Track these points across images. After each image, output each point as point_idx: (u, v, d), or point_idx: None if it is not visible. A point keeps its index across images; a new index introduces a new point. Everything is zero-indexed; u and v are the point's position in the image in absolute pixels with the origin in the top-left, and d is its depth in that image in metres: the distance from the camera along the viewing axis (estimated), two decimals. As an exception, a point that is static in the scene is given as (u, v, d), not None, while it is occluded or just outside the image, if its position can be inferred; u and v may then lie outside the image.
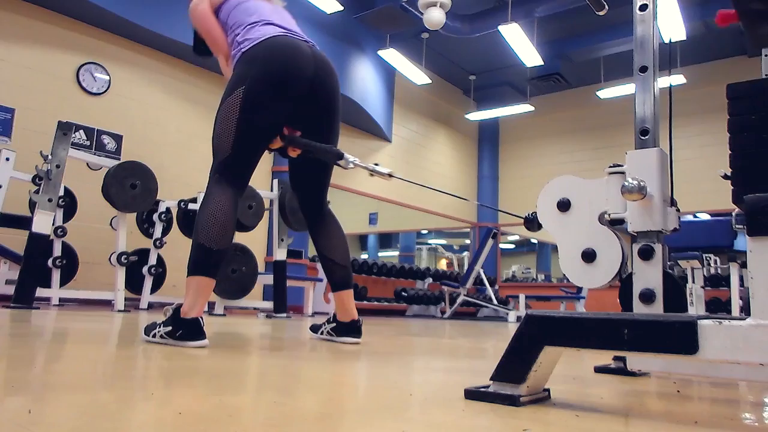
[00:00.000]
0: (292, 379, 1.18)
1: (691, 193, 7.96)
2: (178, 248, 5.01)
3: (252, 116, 1.81)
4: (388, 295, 9.06)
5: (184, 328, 1.71)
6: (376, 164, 1.90)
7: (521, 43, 7.52)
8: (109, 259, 4.87)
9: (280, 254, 5.17)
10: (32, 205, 4.46)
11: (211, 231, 1.76)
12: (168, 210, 5.11)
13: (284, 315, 4.96)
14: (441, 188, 10.88)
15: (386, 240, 15.60)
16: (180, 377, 1.14)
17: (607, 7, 1.62)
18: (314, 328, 2.31)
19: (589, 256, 1.26)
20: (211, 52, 2.14)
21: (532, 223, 1.43)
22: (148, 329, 1.80)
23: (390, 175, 1.90)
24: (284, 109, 1.90)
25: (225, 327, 2.98)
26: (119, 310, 4.26)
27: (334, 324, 2.18)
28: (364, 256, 13.03)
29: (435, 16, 6.63)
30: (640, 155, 1.20)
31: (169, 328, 1.73)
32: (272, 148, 1.99)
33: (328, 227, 2.19)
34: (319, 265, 7.55)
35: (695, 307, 2.76)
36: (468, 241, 12.63)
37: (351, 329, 2.15)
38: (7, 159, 4.44)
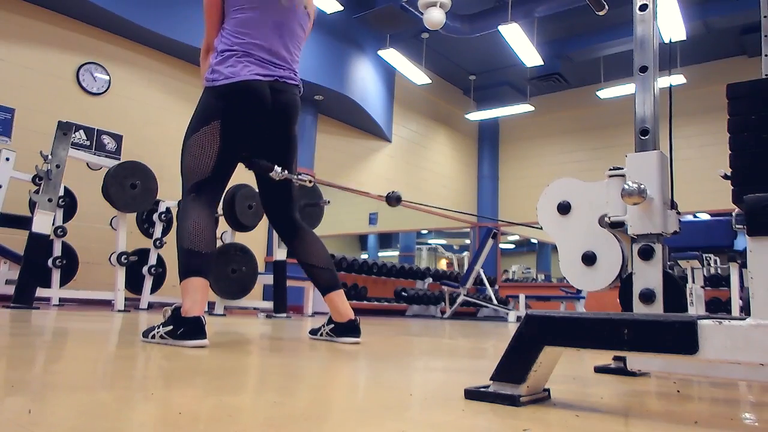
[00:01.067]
0: (292, 379, 1.18)
1: (691, 193, 7.96)
2: (178, 248, 5.01)
3: (230, 144, 1.99)
4: (388, 295, 9.05)
5: (186, 327, 1.72)
6: (299, 174, 2.19)
7: (521, 43, 7.52)
8: (109, 259, 4.87)
9: (280, 254, 5.17)
10: (32, 205, 4.45)
11: (197, 237, 1.85)
12: (168, 210, 5.11)
13: (284, 315, 4.96)
14: (440, 187, 10.88)
15: (386, 240, 15.59)
16: (180, 377, 1.14)
17: (607, 7, 1.62)
18: (313, 332, 2.31)
19: (589, 259, 1.26)
20: None
21: (390, 199, 1.48)
22: (147, 332, 1.81)
23: (310, 182, 2.19)
24: (251, 137, 2.08)
25: (225, 327, 2.98)
26: (119, 310, 4.26)
27: (333, 325, 2.19)
28: (364, 256, 13.02)
29: (435, 16, 6.64)
30: (640, 158, 1.20)
31: (170, 327, 1.74)
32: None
33: (301, 236, 2.26)
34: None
35: (695, 307, 2.76)
36: (468, 241, 12.63)
37: (350, 329, 2.16)
38: (7, 159, 4.44)
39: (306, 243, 2.25)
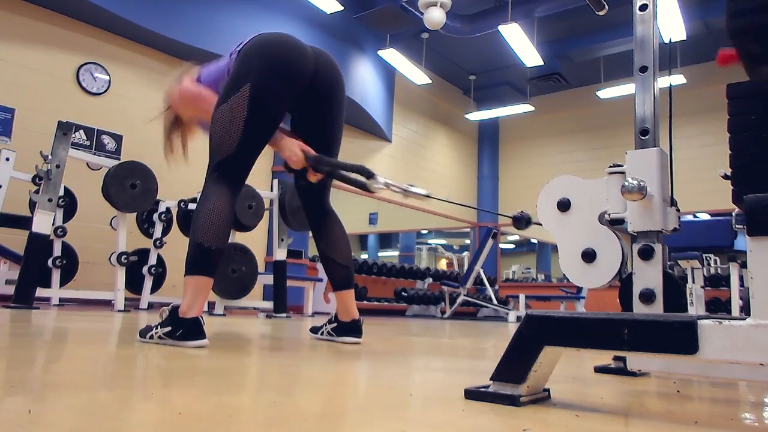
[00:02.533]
0: (292, 379, 1.18)
1: (691, 193, 7.96)
2: (178, 248, 5.00)
3: (261, 112, 1.79)
4: (388, 295, 9.05)
5: (184, 328, 1.70)
6: (411, 185, 1.75)
7: (521, 43, 7.52)
8: (109, 259, 4.86)
9: (280, 254, 5.17)
10: (32, 205, 4.46)
11: (209, 230, 1.74)
12: (168, 210, 5.11)
13: (284, 315, 4.96)
14: (440, 187, 10.88)
15: (386, 240, 15.60)
16: (180, 377, 1.14)
17: (607, 7, 1.62)
18: (314, 330, 2.30)
19: (589, 256, 1.26)
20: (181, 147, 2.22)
21: (520, 221, 1.41)
22: (144, 332, 1.79)
23: (428, 196, 1.77)
24: (288, 102, 1.87)
25: (225, 327, 2.98)
26: (119, 310, 4.26)
27: (335, 324, 2.18)
28: (364, 256, 13.02)
29: (435, 16, 6.63)
30: (640, 155, 1.20)
31: (168, 328, 1.72)
32: (293, 169, 1.96)
33: (330, 227, 2.18)
34: (319, 265, 7.55)
35: (695, 307, 2.76)
36: (468, 241, 12.63)
37: (352, 329, 2.15)
38: (7, 159, 4.44)
39: (332, 236, 2.16)
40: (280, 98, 1.83)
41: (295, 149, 1.92)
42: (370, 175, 1.75)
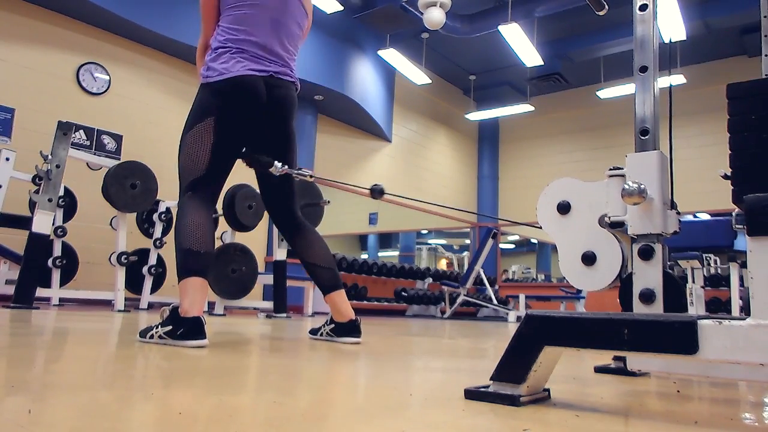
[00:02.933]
0: (292, 379, 1.18)
1: (691, 193, 7.96)
2: (178, 248, 5.01)
3: (225, 141, 1.98)
4: (388, 295, 9.05)
5: (185, 327, 1.71)
6: (300, 168, 2.18)
7: (521, 43, 7.52)
8: (109, 259, 4.86)
9: (280, 254, 5.17)
10: (32, 205, 4.45)
11: (193, 237, 1.85)
12: (168, 210, 5.11)
13: (284, 315, 4.96)
14: (440, 187, 10.87)
15: (386, 240, 15.59)
16: (180, 377, 1.14)
17: (607, 7, 1.62)
18: (313, 332, 2.30)
19: (589, 258, 1.26)
20: None
21: (374, 192, 1.51)
22: (144, 332, 1.80)
23: (311, 177, 2.17)
24: (247, 133, 2.07)
25: (225, 327, 2.98)
26: (119, 310, 4.26)
27: (333, 325, 2.18)
28: (364, 256, 13.01)
29: (435, 16, 6.63)
30: (640, 158, 1.20)
31: (169, 327, 1.73)
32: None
33: (305, 236, 2.24)
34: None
35: (695, 307, 2.76)
36: (468, 241, 12.63)
37: (350, 329, 2.15)
38: (7, 159, 4.43)
39: (308, 241, 2.23)
40: (238, 131, 2.03)
41: None
42: (270, 164, 2.08)
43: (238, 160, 2.13)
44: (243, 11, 2.03)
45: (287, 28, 2.12)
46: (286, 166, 2.12)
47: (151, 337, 1.76)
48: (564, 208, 1.29)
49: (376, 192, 2.25)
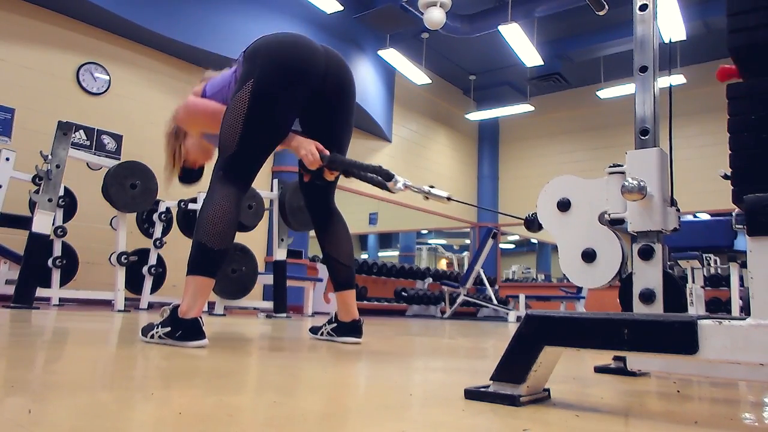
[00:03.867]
0: (292, 379, 1.18)
1: (691, 193, 7.96)
2: (178, 248, 5.01)
3: (261, 109, 1.75)
4: (388, 295, 9.05)
5: (184, 328, 1.70)
6: (432, 186, 1.72)
7: (521, 43, 7.52)
8: (109, 259, 4.86)
9: (280, 254, 5.17)
10: (32, 205, 4.45)
11: (212, 230, 1.73)
12: (168, 210, 5.11)
13: (284, 315, 4.96)
14: (440, 187, 10.87)
15: (386, 240, 15.60)
16: (180, 377, 1.14)
17: (607, 7, 1.62)
18: (314, 330, 2.30)
19: (589, 256, 1.26)
20: (195, 175, 2.22)
21: (532, 223, 1.38)
22: (146, 330, 1.79)
23: (449, 199, 1.77)
24: (296, 101, 1.84)
25: (225, 327, 2.98)
26: (119, 310, 4.26)
27: (335, 324, 2.18)
28: (364, 256, 13.02)
29: (435, 16, 6.63)
30: (640, 155, 1.20)
31: (168, 328, 1.72)
32: (309, 170, 1.93)
33: (334, 227, 2.18)
34: (319, 265, 7.55)
35: (695, 307, 2.76)
36: (468, 241, 12.63)
37: (352, 329, 2.15)
38: (7, 159, 4.43)
39: (336, 236, 2.16)
40: (285, 97, 1.80)
41: (311, 148, 1.89)
42: (389, 177, 1.73)
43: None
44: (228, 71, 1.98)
45: None
46: (408, 182, 1.73)
47: (152, 336, 1.75)
48: (564, 206, 1.29)
49: (534, 225, 1.46)
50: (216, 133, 1.86)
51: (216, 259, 1.74)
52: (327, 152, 1.90)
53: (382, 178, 1.74)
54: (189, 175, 2.22)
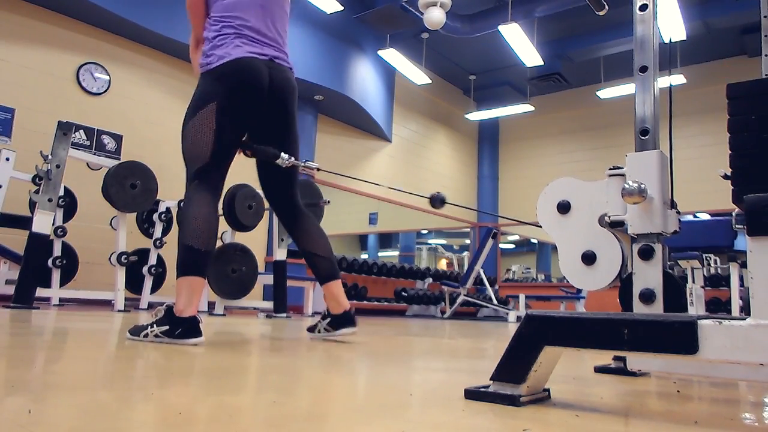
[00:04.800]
0: (292, 379, 1.18)
1: (691, 193, 7.96)
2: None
3: (227, 126, 1.95)
4: (388, 295, 9.05)
5: (183, 326, 1.73)
6: (307, 160, 2.16)
7: (521, 43, 7.52)
8: (109, 259, 4.87)
9: (280, 254, 5.17)
10: (32, 205, 4.45)
11: (197, 233, 1.84)
12: (168, 210, 5.11)
13: (284, 315, 4.96)
14: (440, 187, 10.86)
15: (386, 240, 15.60)
16: (180, 377, 1.14)
17: (607, 7, 1.62)
18: (310, 329, 2.33)
19: (589, 258, 1.26)
20: None
21: (435, 201, 1.47)
22: (137, 331, 1.81)
23: (318, 169, 2.18)
24: (249, 119, 2.05)
25: (225, 327, 2.98)
26: (119, 310, 4.26)
27: (329, 318, 2.22)
28: (364, 256, 13.01)
29: (435, 16, 6.63)
30: (640, 157, 1.20)
31: (166, 327, 1.75)
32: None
33: (304, 224, 2.25)
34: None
35: (695, 307, 2.76)
36: (468, 241, 12.63)
37: (346, 320, 2.20)
38: (7, 159, 4.44)
39: (307, 230, 2.24)
40: (243, 115, 2.01)
41: None
42: (276, 156, 2.06)
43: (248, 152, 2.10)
44: None
45: (276, 13, 2.13)
46: (293, 158, 2.09)
47: (146, 336, 1.77)
48: (564, 208, 1.29)
49: (437, 201, 2.02)
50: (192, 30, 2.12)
51: (203, 258, 1.85)
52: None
53: (271, 156, 2.07)
54: None
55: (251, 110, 2.02)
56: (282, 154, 2.06)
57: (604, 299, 8.78)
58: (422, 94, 10.29)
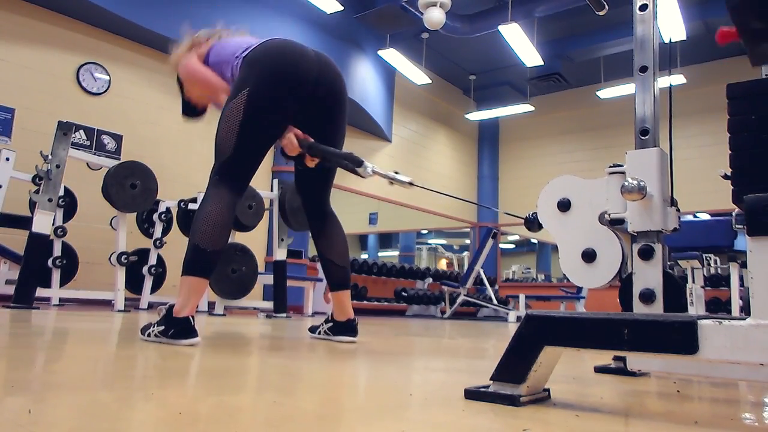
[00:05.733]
0: (292, 379, 1.18)
1: (691, 193, 7.96)
2: (178, 248, 4.99)
3: (255, 117, 1.82)
4: (388, 295, 9.05)
5: (176, 327, 1.74)
6: (396, 172, 1.85)
7: (521, 43, 7.51)
8: (109, 259, 4.86)
9: (280, 254, 5.17)
10: (32, 205, 4.45)
11: (206, 232, 1.78)
12: (168, 210, 5.10)
13: (284, 315, 4.96)
14: (441, 188, 10.87)
15: (386, 240, 15.60)
16: (180, 377, 1.14)
17: (607, 7, 1.62)
18: (312, 329, 2.35)
19: (589, 256, 1.26)
20: (198, 112, 2.24)
21: (532, 223, 1.40)
22: (145, 329, 1.83)
23: (411, 184, 1.84)
24: (288, 109, 1.91)
25: (225, 327, 2.98)
26: (119, 310, 4.26)
27: (332, 323, 2.23)
28: (364, 256, 13.02)
29: (435, 16, 6.63)
30: (640, 155, 1.20)
31: (162, 327, 1.76)
32: (290, 156, 2.01)
33: (329, 228, 2.22)
34: (319, 265, 7.55)
35: (695, 307, 2.76)
36: (468, 241, 12.63)
37: (347, 328, 2.20)
38: (7, 159, 4.43)
39: (330, 236, 2.21)
40: (278, 106, 1.87)
41: (290, 135, 1.97)
42: (359, 163, 1.83)
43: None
44: (234, 39, 2.03)
45: None
46: (377, 167, 1.83)
47: (149, 335, 1.78)
48: (564, 206, 1.29)
49: (535, 225, 1.48)
50: (210, 99, 1.99)
51: (209, 259, 1.79)
52: (310, 139, 1.97)
53: (353, 164, 1.84)
54: (192, 110, 2.28)
55: (292, 97, 1.86)
56: (366, 162, 1.81)
57: (604, 299, 8.78)
58: (422, 94, 10.29)
